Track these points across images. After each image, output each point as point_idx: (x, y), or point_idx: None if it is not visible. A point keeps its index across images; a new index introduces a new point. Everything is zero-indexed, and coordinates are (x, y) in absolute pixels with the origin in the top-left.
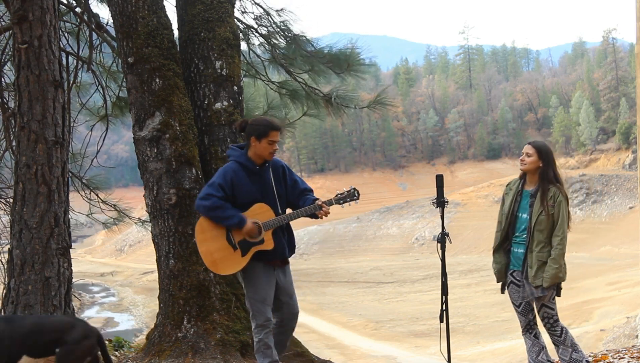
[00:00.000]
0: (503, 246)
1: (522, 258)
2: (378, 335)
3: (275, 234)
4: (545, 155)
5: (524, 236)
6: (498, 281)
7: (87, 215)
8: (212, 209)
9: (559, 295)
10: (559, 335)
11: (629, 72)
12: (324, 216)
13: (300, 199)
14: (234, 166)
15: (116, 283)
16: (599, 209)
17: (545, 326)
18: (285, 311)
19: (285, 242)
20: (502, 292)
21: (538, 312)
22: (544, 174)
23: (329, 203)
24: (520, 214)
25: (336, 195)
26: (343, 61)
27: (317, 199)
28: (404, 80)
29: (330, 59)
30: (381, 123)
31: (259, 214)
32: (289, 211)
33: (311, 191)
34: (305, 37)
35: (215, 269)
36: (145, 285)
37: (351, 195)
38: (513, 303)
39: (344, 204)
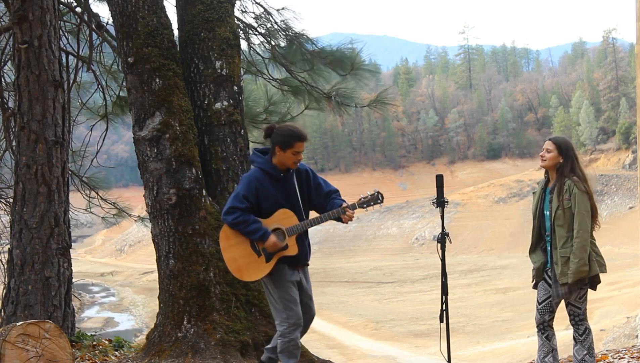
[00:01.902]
0: (539, 245)
1: (550, 256)
2: (378, 335)
3: (299, 239)
4: (565, 151)
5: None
6: (536, 279)
7: (85, 210)
8: (235, 224)
9: (593, 288)
10: (581, 334)
11: (629, 72)
12: (348, 221)
13: (326, 203)
14: (258, 174)
15: (116, 283)
16: (599, 209)
17: (571, 322)
18: (306, 312)
19: (307, 246)
20: (535, 287)
21: (565, 307)
22: (561, 169)
23: (353, 206)
24: (546, 213)
25: (359, 199)
26: (346, 63)
27: (344, 201)
28: (404, 80)
29: (332, 60)
30: (381, 123)
31: (282, 219)
32: (313, 214)
33: (336, 191)
34: (306, 35)
35: (241, 276)
36: (145, 285)
37: (375, 198)
38: (537, 299)
39: (367, 208)
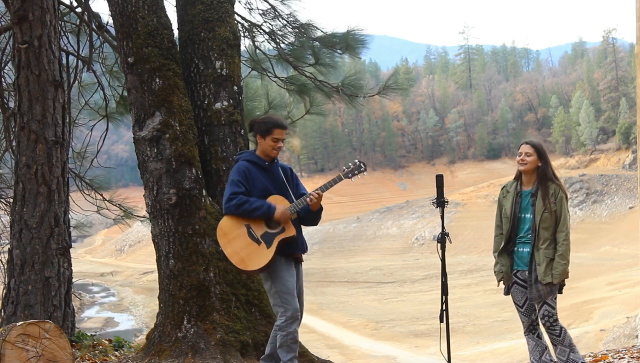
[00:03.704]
0: (506, 248)
1: (527, 257)
2: (378, 335)
3: (295, 223)
4: (543, 154)
5: (529, 235)
6: (504, 283)
7: (96, 211)
8: (239, 206)
9: (561, 292)
10: (558, 335)
11: (629, 72)
12: (314, 199)
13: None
14: (245, 163)
15: (116, 283)
16: (599, 209)
17: (544, 325)
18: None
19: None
20: (507, 294)
21: (539, 310)
22: (543, 172)
23: (339, 178)
24: (522, 215)
25: (343, 170)
26: (343, 40)
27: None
28: (404, 80)
29: (338, 41)
30: (381, 123)
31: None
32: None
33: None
34: (313, 24)
35: (245, 266)
36: (145, 285)
37: (358, 167)
38: (516, 304)
39: (353, 178)
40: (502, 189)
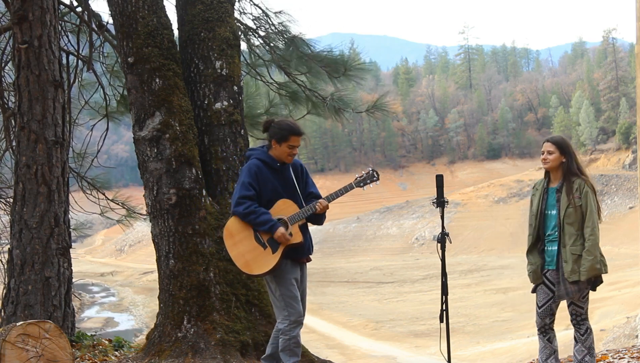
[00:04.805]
0: (537, 246)
1: (555, 255)
2: (378, 335)
3: (302, 228)
4: (566, 149)
5: (556, 233)
6: (534, 282)
7: (100, 214)
8: (246, 215)
9: (594, 289)
10: (582, 334)
11: (629, 72)
12: (321, 209)
13: (306, 202)
14: (257, 162)
15: (116, 283)
16: None
17: (572, 321)
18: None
19: (309, 239)
20: (534, 292)
21: (567, 307)
22: (568, 168)
23: (350, 187)
24: (549, 212)
25: (355, 178)
26: (340, 65)
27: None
28: (404, 80)
29: (328, 63)
30: (381, 123)
31: (283, 209)
32: None
33: (318, 197)
34: (303, 38)
35: (249, 270)
36: (145, 285)
37: (370, 176)
38: (536, 304)
39: (364, 187)
40: (533, 187)
